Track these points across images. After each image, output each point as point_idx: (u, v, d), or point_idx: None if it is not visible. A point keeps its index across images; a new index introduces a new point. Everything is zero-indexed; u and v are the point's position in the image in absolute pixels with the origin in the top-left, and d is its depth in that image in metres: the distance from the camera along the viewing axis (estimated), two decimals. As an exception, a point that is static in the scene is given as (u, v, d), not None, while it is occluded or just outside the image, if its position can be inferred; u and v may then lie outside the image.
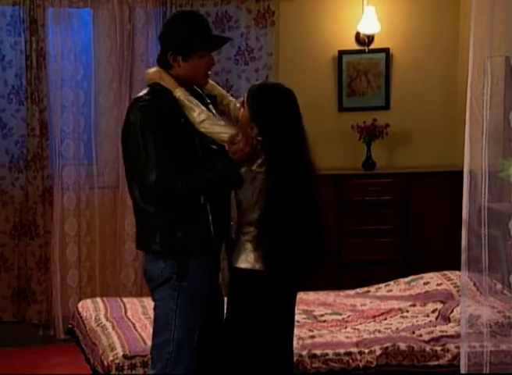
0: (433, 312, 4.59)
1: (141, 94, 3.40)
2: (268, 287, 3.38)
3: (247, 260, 3.37)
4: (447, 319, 4.45)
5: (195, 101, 3.37)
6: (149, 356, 3.79)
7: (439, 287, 4.85)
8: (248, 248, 3.37)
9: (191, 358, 3.37)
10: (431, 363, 4.02)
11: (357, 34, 6.39)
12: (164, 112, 3.30)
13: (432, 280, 4.95)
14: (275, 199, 3.31)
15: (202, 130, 3.34)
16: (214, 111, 3.53)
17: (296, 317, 4.47)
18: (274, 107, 3.36)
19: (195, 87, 3.50)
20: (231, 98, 3.67)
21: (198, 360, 3.39)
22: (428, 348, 4.05)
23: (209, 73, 3.46)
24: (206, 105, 3.49)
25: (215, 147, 3.40)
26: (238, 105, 3.51)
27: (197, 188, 3.33)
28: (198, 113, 3.33)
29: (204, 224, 3.36)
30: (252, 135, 3.32)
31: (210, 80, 3.58)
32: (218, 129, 3.34)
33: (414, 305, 4.72)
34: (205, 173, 3.32)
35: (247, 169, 3.34)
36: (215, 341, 3.46)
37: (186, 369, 3.36)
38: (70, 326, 4.78)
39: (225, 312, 3.51)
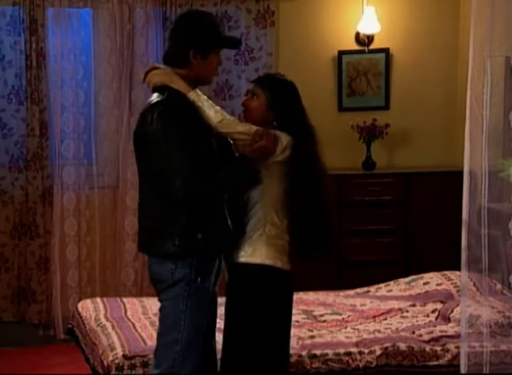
0: (433, 312, 4.59)
1: (157, 99, 3.37)
2: (278, 281, 3.42)
3: (256, 255, 3.39)
4: (447, 319, 4.45)
5: (210, 101, 3.39)
6: (149, 356, 3.80)
7: (438, 287, 4.85)
8: (258, 244, 3.39)
9: (198, 358, 3.37)
10: (431, 363, 4.02)
11: (357, 34, 6.39)
12: (185, 118, 3.30)
13: (432, 280, 4.95)
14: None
15: (221, 129, 3.35)
16: None
17: (296, 317, 4.49)
18: (288, 93, 3.52)
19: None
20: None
21: (205, 360, 3.40)
22: (427, 348, 4.04)
23: (215, 71, 3.51)
24: None
25: (229, 149, 3.44)
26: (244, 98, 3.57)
27: (220, 191, 3.36)
28: (214, 112, 3.35)
29: (223, 224, 3.39)
30: (268, 126, 3.41)
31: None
32: (237, 127, 3.36)
33: (413, 305, 4.72)
34: (228, 175, 3.36)
35: (262, 166, 3.39)
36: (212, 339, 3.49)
37: (192, 369, 3.36)
38: (70, 326, 4.78)
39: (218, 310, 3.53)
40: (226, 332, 3.45)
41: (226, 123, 3.35)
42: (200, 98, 3.36)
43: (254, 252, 3.40)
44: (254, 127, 3.36)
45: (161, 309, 3.44)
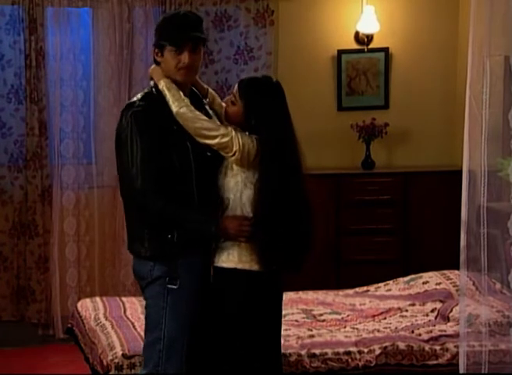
0: (432, 311, 4.59)
1: (135, 99, 3.41)
2: (256, 284, 3.37)
3: (230, 260, 3.37)
4: (446, 319, 4.45)
5: (179, 93, 3.35)
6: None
7: (438, 287, 4.85)
8: (232, 247, 3.37)
9: (182, 357, 3.36)
10: (430, 362, 4.01)
11: (357, 34, 6.39)
12: (156, 119, 3.31)
13: (431, 280, 4.95)
14: (270, 198, 3.33)
15: (179, 120, 3.31)
16: (211, 111, 3.55)
17: (296, 316, 4.50)
18: (266, 100, 3.38)
19: (193, 88, 3.53)
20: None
21: (190, 359, 3.39)
22: (427, 348, 4.04)
23: (181, 70, 3.36)
24: (203, 105, 3.51)
25: (208, 154, 3.39)
26: (224, 104, 3.51)
27: (171, 219, 3.33)
28: (174, 101, 3.31)
29: (196, 226, 3.37)
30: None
31: (211, 90, 3.63)
32: (195, 122, 3.31)
33: (413, 305, 4.72)
34: (190, 216, 3.34)
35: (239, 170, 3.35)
36: (203, 340, 3.47)
37: (177, 369, 3.35)
38: (69, 325, 4.78)
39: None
40: (218, 336, 3.41)
41: (183, 113, 3.30)
42: (168, 85, 3.34)
43: (228, 257, 3.37)
44: (223, 130, 3.31)
45: (145, 307, 3.45)
